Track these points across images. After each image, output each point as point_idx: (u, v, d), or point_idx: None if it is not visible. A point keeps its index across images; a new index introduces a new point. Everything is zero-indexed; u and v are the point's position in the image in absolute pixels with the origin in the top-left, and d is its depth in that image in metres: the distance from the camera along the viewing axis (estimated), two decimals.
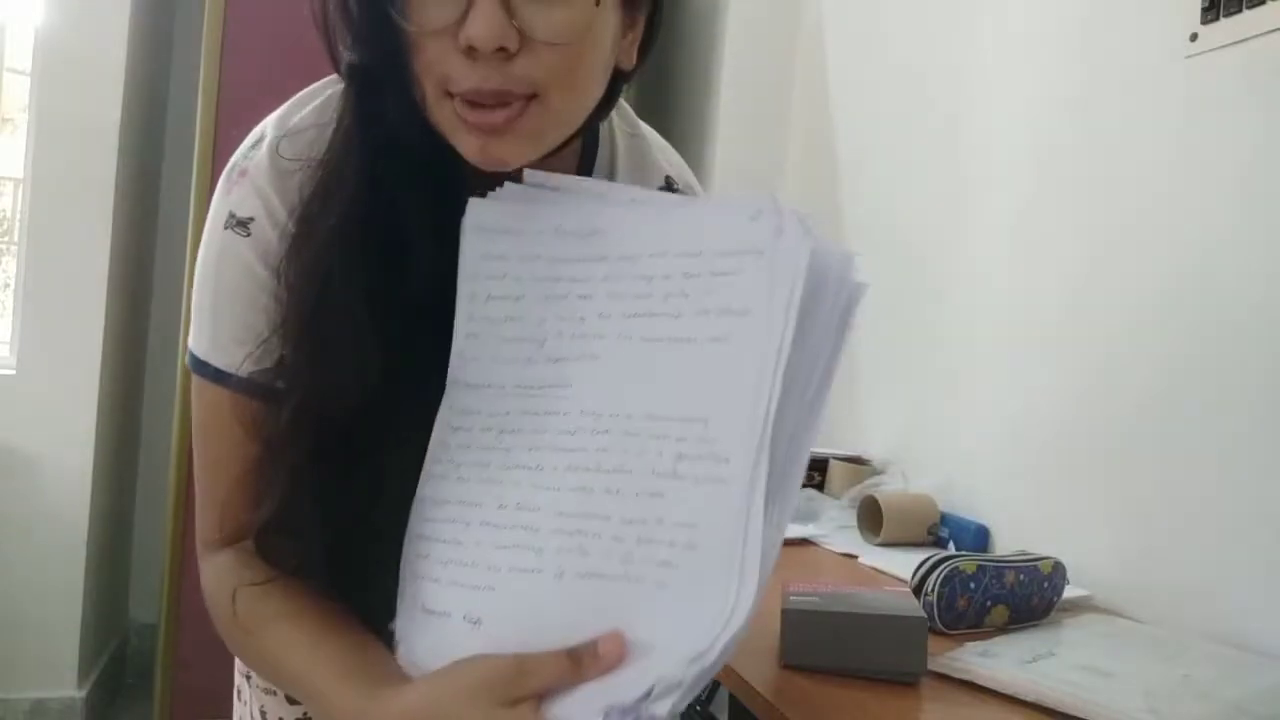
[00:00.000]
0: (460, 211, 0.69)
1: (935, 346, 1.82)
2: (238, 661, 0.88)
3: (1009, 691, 0.93)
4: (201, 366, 0.73)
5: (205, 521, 0.76)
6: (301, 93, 0.75)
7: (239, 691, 0.89)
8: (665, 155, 0.87)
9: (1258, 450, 1.16)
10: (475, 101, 0.63)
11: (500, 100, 0.63)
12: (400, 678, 0.61)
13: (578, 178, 0.69)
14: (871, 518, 1.60)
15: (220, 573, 0.72)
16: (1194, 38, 1.28)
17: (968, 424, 1.70)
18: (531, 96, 0.63)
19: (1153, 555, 1.29)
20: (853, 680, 0.93)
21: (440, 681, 0.58)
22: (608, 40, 0.67)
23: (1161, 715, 0.86)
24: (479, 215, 0.68)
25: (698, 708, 1.58)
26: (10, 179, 2.81)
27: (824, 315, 0.58)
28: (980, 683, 0.94)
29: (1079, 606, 1.26)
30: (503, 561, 0.59)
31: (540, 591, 0.58)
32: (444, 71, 0.63)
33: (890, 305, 1.99)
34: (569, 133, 0.70)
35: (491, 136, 0.64)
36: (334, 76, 0.72)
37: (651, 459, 0.57)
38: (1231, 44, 1.23)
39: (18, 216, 2.66)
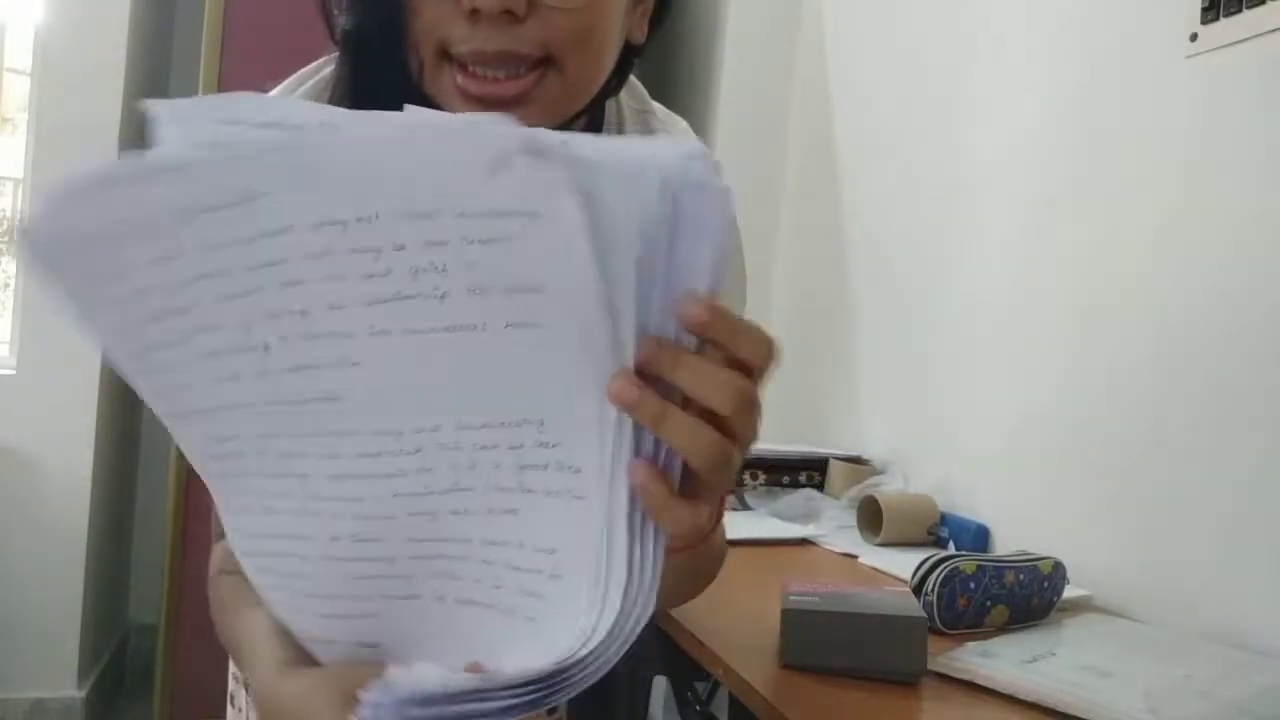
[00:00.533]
0: None
1: (935, 347, 1.82)
2: (232, 665, 0.88)
3: (1009, 691, 0.93)
4: None
5: (216, 510, 0.77)
6: (295, 74, 0.73)
7: (232, 697, 0.89)
8: (672, 125, 0.81)
9: (1258, 450, 1.16)
10: (476, 72, 0.59)
11: (504, 62, 0.59)
12: (306, 660, 0.58)
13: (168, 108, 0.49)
14: (871, 518, 1.60)
15: (216, 557, 0.73)
16: (1194, 38, 1.28)
17: (968, 424, 1.70)
18: (544, 60, 0.60)
19: (1153, 555, 1.29)
20: (852, 680, 0.93)
21: (322, 675, 0.56)
22: (619, 8, 0.63)
23: (1161, 715, 0.86)
24: (57, 227, 0.47)
25: (698, 708, 1.58)
26: (10, 179, 2.81)
27: (682, 252, 0.43)
28: (980, 683, 0.94)
29: (1079, 606, 1.26)
30: (371, 590, 0.52)
31: (424, 615, 0.52)
32: (444, 34, 0.59)
33: (890, 305, 1.99)
34: (581, 105, 0.66)
35: (497, 110, 0.58)
36: (328, 58, 0.69)
37: (489, 473, 0.47)
38: (1232, 44, 1.23)
39: (17, 216, 2.66)
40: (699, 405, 0.44)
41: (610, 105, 0.76)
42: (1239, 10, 1.21)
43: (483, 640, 0.50)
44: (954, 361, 1.76)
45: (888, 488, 1.72)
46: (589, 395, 0.44)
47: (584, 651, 0.45)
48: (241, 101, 0.46)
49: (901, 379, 1.93)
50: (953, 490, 1.66)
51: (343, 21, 0.64)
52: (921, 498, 1.64)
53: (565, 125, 0.66)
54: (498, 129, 0.41)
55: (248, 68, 2.26)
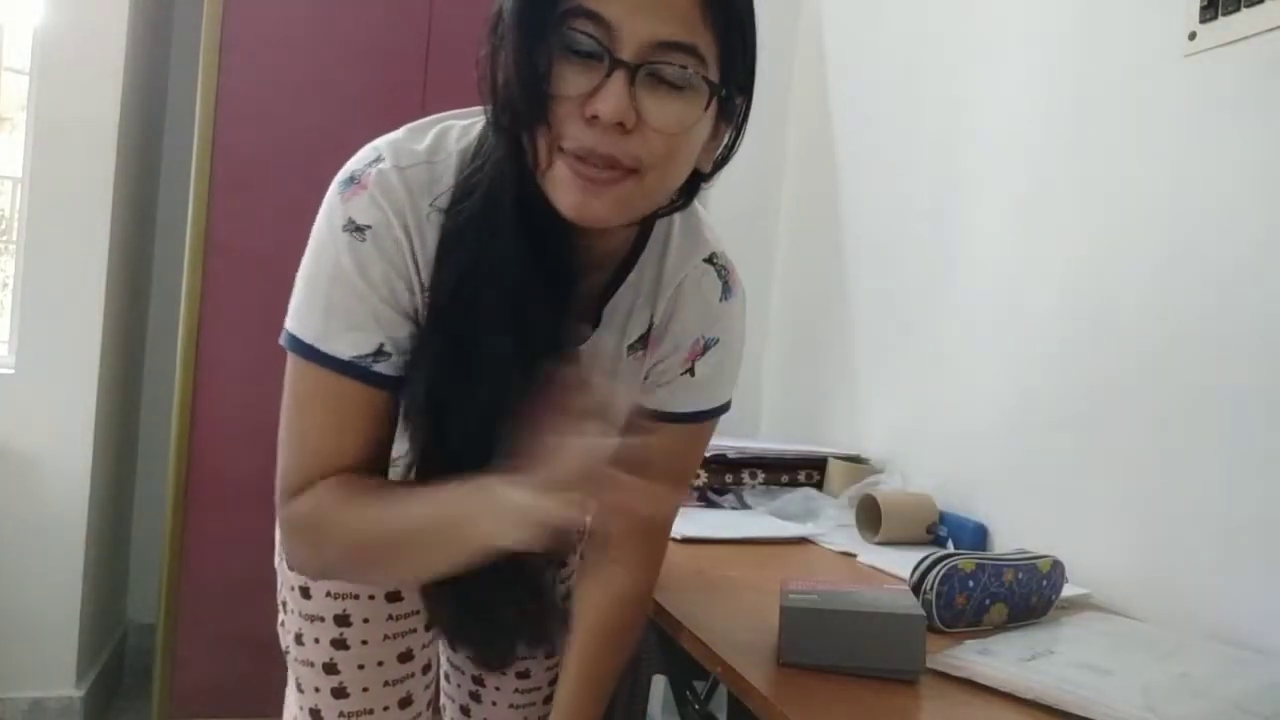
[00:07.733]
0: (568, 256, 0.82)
1: (934, 345, 1.82)
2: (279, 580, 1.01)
3: (1007, 689, 0.93)
4: (309, 351, 0.81)
5: (295, 473, 0.83)
6: (411, 125, 0.85)
7: (284, 604, 1.01)
8: (712, 232, 0.97)
9: (1257, 450, 1.17)
10: (585, 159, 0.73)
11: (605, 163, 0.73)
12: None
13: None
14: (870, 516, 1.60)
15: (321, 495, 0.81)
16: (1193, 37, 1.28)
17: (966, 423, 1.70)
18: (632, 171, 0.74)
19: (1152, 554, 1.29)
20: (852, 678, 0.93)
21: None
22: (700, 141, 0.78)
23: (1159, 713, 0.86)
24: None
25: (697, 706, 1.59)
26: (9, 178, 2.81)
27: None
28: (979, 680, 0.94)
29: (1077, 605, 1.27)
30: None
31: None
32: (563, 131, 0.73)
33: (889, 304, 1.99)
34: (649, 210, 0.80)
35: (590, 192, 0.74)
36: (436, 116, 0.85)
37: None
38: (1230, 43, 1.23)
39: (16, 216, 2.66)
40: None
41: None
42: (1237, 9, 1.21)
43: None
44: (953, 360, 1.76)
45: (886, 486, 1.72)
46: None
47: None
48: None
49: (901, 378, 1.93)
50: (951, 489, 1.67)
51: (496, 113, 0.78)
52: (920, 496, 1.64)
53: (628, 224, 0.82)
54: None
55: (247, 68, 2.26)
